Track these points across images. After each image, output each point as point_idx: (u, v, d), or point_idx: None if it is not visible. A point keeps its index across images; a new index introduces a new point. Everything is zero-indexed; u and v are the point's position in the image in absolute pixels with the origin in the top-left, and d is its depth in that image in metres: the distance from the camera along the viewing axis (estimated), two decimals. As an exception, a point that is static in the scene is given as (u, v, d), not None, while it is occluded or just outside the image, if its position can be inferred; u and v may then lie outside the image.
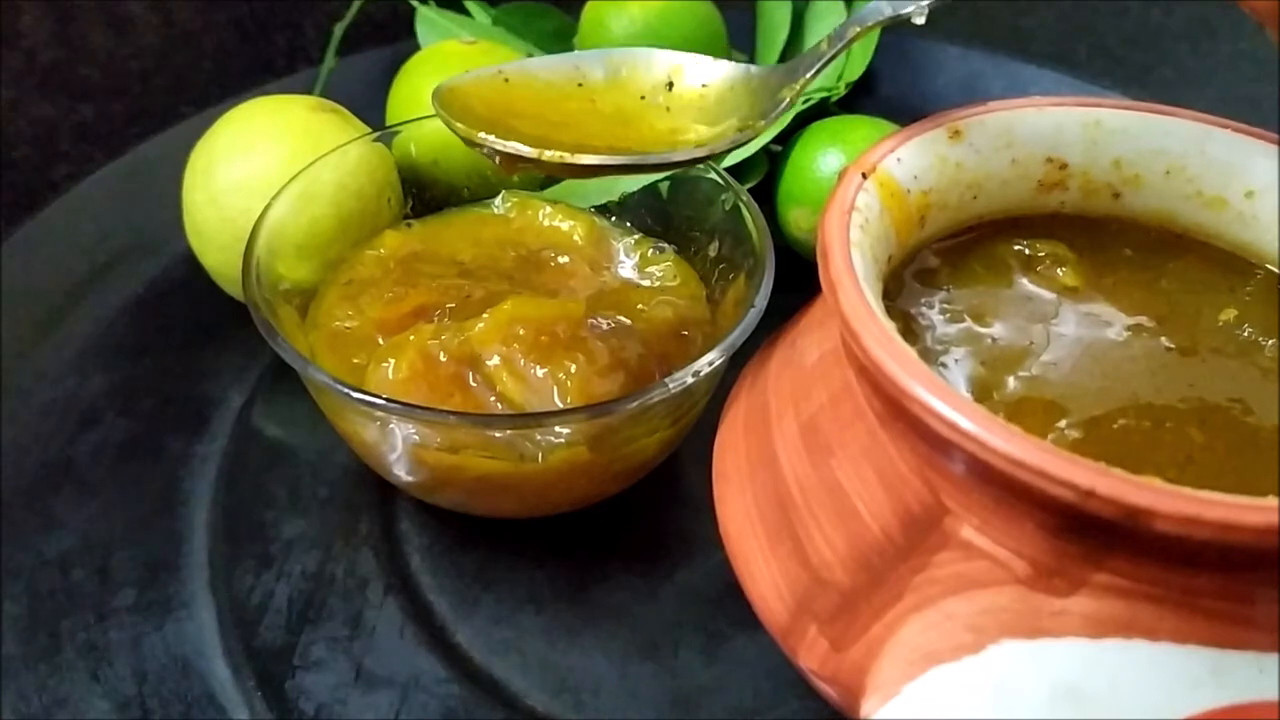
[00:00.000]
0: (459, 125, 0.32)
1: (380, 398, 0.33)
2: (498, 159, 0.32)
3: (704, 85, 0.34)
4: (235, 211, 0.43)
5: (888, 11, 0.30)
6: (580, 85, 0.35)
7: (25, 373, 0.45)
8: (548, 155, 0.31)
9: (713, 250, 0.43)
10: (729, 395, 0.34)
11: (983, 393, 0.28)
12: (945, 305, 0.30)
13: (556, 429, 0.35)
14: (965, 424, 0.22)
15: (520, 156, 0.32)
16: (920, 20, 0.30)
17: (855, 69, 0.54)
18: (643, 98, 0.34)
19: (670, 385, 0.34)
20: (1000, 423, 0.22)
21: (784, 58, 0.56)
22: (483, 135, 0.32)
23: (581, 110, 0.34)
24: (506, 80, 0.34)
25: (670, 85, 0.34)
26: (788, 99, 0.32)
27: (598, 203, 0.46)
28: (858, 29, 0.31)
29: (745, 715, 0.35)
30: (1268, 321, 0.30)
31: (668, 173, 0.43)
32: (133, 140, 0.54)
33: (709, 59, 0.35)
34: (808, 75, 0.32)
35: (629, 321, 0.39)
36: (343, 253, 0.42)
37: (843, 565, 0.27)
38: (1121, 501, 0.21)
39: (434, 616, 0.38)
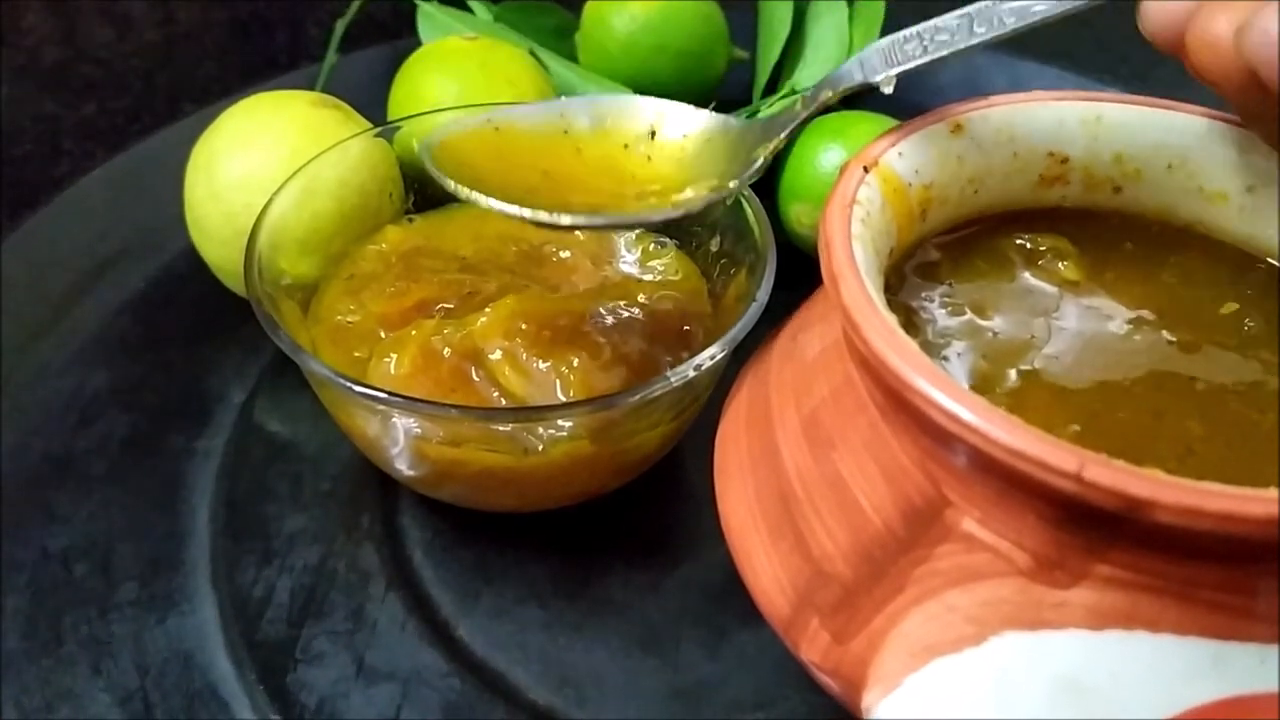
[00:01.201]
0: (449, 181, 0.33)
1: (383, 391, 0.33)
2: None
3: (684, 136, 0.36)
4: (237, 207, 0.43)
5: (858, 78, 0.32)
6: (566, 133, 0.36)
7: (27, 368, 0.45)
8: (530, 215, 0.32)
9: (714, 245, 0.43)
10: (730, 389, 0.34)
11: (984, 386, 0.28)
12: (947, 299, 0.30)
13: (559, 423, 0.35)
14: (967, 416, 0.22)
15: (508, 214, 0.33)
16: (888, 90, 0.31)
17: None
18: (626, 146, 0.36)
19: (672, 379, 0.34)
20: (1001, 414, 0.22)
21: (785, 57, 0.56)
22: (468, 192, 0.33)
23: (568, 160, 0.36)
24: (496, 129, 0.36)
25: (653, 134, 0.36)
26: (761, 158, 0.33)
27: (599, 199, 0.46)
28: (829, 92, 0.32)
29: (747, 708, 0.35)
30: (1269, 315, 0.30)
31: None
32: (134, 137, 0.54)
33: (689, 108, 0.36)
34: (782, 135, 0.33)
35: (631, 315, 0.39)
36: (345, 248, 0.42)
37: (844, 558, 0.27)
38: (1122, 493, 0.21)
39: (436, 611, 0.38)
